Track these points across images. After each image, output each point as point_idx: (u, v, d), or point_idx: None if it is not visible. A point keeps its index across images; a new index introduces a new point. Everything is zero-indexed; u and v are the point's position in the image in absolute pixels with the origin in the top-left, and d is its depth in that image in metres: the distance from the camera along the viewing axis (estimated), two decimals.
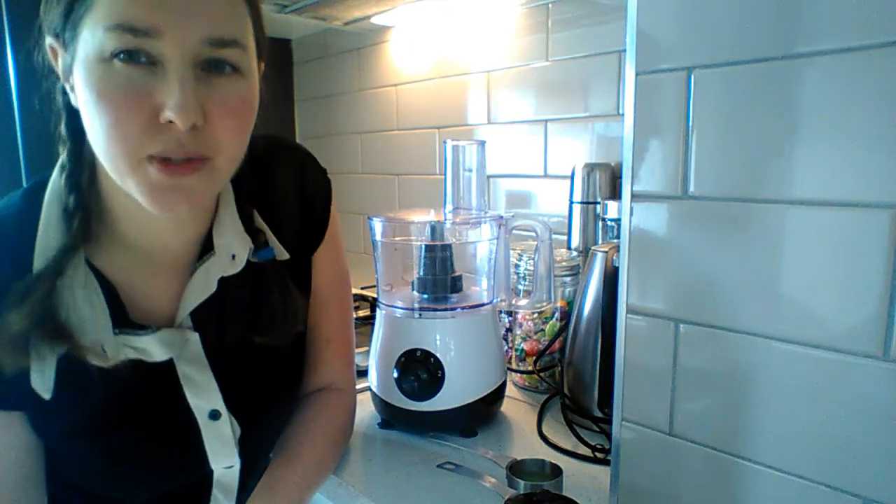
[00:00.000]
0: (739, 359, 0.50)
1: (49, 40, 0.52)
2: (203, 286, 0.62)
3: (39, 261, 0.54)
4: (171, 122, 0.49)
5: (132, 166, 0.50)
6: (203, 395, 0.62)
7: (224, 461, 0.64)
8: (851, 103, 0.42)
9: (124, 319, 0.59)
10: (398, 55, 1.52)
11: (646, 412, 0.57)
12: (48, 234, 0.55)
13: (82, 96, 0.50)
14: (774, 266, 0.47)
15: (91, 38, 0.48)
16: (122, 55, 0.48)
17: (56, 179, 0.57)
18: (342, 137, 1.75)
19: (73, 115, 0.54)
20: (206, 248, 0.63)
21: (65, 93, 0.55)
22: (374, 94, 1.61)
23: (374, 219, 0.87)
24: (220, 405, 0.62)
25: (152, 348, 0.59)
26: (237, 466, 0.65)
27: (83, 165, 0.57)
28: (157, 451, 0.62)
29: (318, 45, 1.76)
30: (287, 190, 0.70)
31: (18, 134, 1.31)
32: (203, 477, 0.64)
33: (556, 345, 0.96)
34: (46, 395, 0.55)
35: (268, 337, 0.65)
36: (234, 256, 0.64)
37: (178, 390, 0.61)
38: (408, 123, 1.53)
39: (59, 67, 0.53)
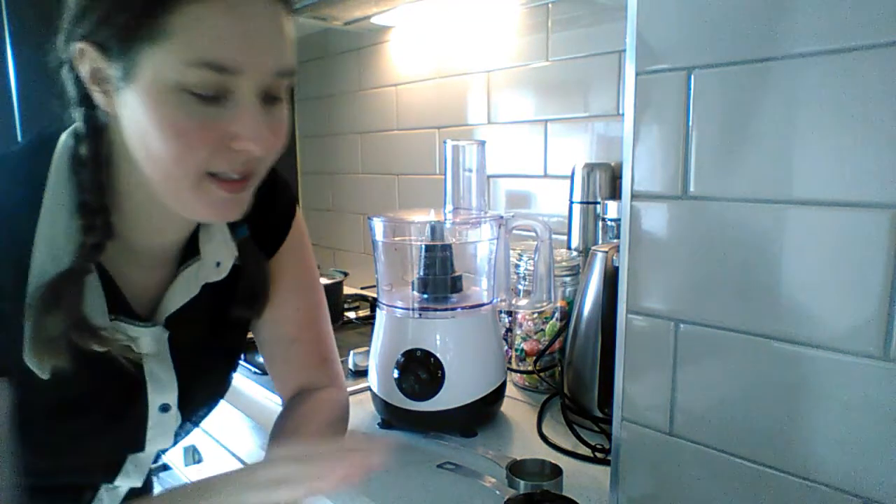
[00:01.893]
0: (739, 359, 0.50)
1: (81, 44, 0.52)
2: (186, 289, 0.64)
3: (42, 249, 0.54)
4: (246, 150, 0.52)
5: (193, 184, 0.53)
6: (162, 391, 0.64)
7: (159, 447, 0.68)
8: (851, 103, 0.42)
9: (121, 307, 0.60)
10: (398, 55, 1.52)
11: (646, 412, 0.57)
12: (54, 224, 0.55)
13: (140, 118, 0.51)
14: (774, 266, 0.47)
15: (163, 65, 0.49)
16: (197, 89, 0.49)
17: (63, 168, 0.57)
18: (342, 137, 1.75)
19: (91, 115, 0.55)
20: (188, 248, 0.65)
21: (83, 93, 0.55)
22: (374, 94, 1.61)
23: (374, 219, 0.87)
24: (173, 400, 0.65)
25: (143, 339, 0.61)
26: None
27: (105, 163, 0.57)
28: (107, 436, 0.64)
29: (318, 45, 1.76)
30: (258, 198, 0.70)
31: (19, 134, 1.31)
32: None
33: (556, 345, 0.96)
34: (45, 375, 0.55)
35: (249, 310, 0.70)
36: (218, 264, 0.66)
37: (141, 383, 0.63)
38: (408, 123, 1.53)
39: (87, 70, 0.52)
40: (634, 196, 0.55)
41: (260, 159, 0.55)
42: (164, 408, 0.65)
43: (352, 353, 1.04)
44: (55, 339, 0.52)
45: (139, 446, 0.66)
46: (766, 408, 0.49)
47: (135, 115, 0.51)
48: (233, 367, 0.75)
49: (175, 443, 0.70)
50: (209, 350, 0.69)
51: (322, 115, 1.81)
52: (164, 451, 0.71)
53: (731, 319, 0.50)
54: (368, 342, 0.90)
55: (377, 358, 0.84)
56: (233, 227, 0.68)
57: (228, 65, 0.49)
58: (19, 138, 1.31)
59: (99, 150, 0.56)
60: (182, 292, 0.64)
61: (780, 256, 0.47)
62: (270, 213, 0.72)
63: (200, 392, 0.69)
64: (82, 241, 0.55)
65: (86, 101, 0.55)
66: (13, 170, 0.57)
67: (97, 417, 0.62)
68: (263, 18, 0.51)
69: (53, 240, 0.54)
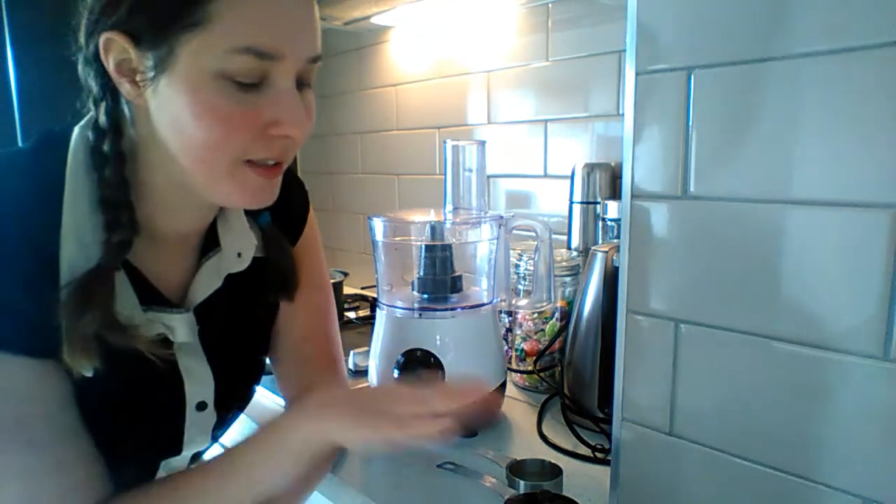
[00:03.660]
0: (739, 359, 0.50)
1: (110, 34, 0.51)
2: (209, 281, 0.64)
3: (70, 244, 0.53)
4: (286, 135, 0.53)
5: (230, 170, 0.53)
6: (199, 387, 0.64)
7: (195, 448, 0.67)
8: (851, 103, 0.42)
9: (152, 297, 0.60)
10: (398, 55, 1.52)
11: (646, 412, 0.57)
12: (78, 219, 0.54)
13: (176, 105, 0.51)
14: (774, 266, 0.47)
15: (204, 53, 0.49)
16: (239, 76, 0.50)
17: (81, 163, 0.56)
18: (342, 137, 1.75)
19: (116, 108, 0.55)
20: (208, 239, 0.65)
21: (104, 85, 0.54)
22: (374, 94, 1.61)
23: (374, 219, 0.87)
24: (210, 397, 0.65)
25: (179, 327, 0.61)
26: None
27: (128, 158, 0.57)
28: (144, 437, 0.63)
29: None
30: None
31: (18, 134, 1.31)
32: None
33: (556, 345, 0.96)
34: (88, 372, 0.54)
35: (283, 293, 0.70)
36: (239, 254, 0.66)
37: (177, 380, 0.63)
38: (408, 123, 1.53)
39: (112, 61, 0.52)
40: (634, 196, 0.55)
41: (296, 144, 0.56)
42: (201, 406, 0.64)
43: (352, 353, 1.04)
44: (89, 338, 0.52)
45: (176, 448, 0.65)
46: (766, 408, 0.49)
47: (169, 103, 0.51)
48: (262, 364, 0.75)
49: (211, 444, 0.70)
50: (240, 346, 0.69)
51: (322, 115, 1.81)
52: (199, 455, 0.71)
53: (731, 319, 0.50)
54: (368, 342, 0.90)
55: (377, 358, 0.84)
56: (253, 215, 0.69)
57: (270, 50, 0.49)
58: (19, 138, 1.31)
59: (123, 145, 0.56)
60: (206, 284, 0.64)
61: (780, 256, 0.47)
62: (287, 210, 0.73)
63: (234, 389, 0.69)
64: (107, 237, 0.54)
65: (110, 94, 0.55)
66: (27, 167, 0.56)
67: (135, 417, 0.61)
68: (299, 3, 0.52)
69: (80, 235, 0.54)
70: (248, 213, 0.68)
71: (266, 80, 0.51)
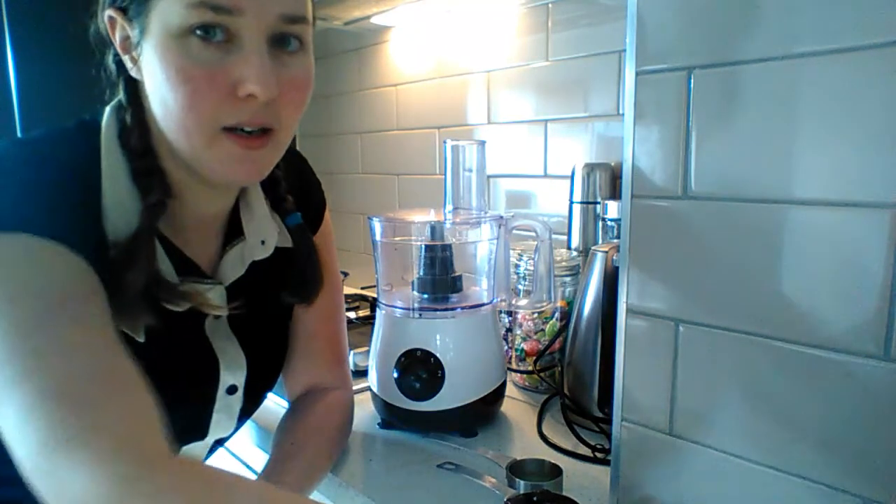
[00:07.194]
0: (739, 359, 0.50)
1: (109, 12, 0.54)
2: (233, 268, 0.65)
3: (111, 213, 0.54)
4: (250, 95, 0.51)
5: (208, 140, 0.53)
6: (232, 369, 0.64)
7: (220, 433, 0.67)
8: (852, 103, 0.42)
9: (189, 269, 0.61)
10: (398, 55, 1.52)
11: (646, 412, 0.57)
12: (116, 189, 0.55)
13: (154, 70, 0.51)
14: (774, 266, 0.47)
15: (168, 13, 0.49)
16: (200, 31, 0.49)
17: (112, 138, 0.57)
18: (342, 137, 1.75)
19: (132, 84, 0.57)
20: (232, 226, 0.66)
21: (120, 63, 0.56)
22: (374, 94, 1.61)
23: (374, 219, 0.87)
24: (241, 381, 0.65)
25: (215, 298, 0.62)
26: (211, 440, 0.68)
27: (149, 128, 0.58)
28: (174, 416, 0.62)
29: (318, 45, 1.75)
30: (288, 183, 0.72)
31: (18, 133, 1.31)
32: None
33: (556, 345, 0.96)
34: (140, 339, 0.55)
35: (299, 296, 0.70)
36: (263, 242, 0.67)
37: (212, 361, 0.63)
38: (408, 123, 1.53)
39: (117, 39, 0.54)
40: (634, 196, 0.55)
41: (272, 112, 0.54)
42: (232, 389, 0.65)
43: (352, 353, 1.04)
44: (137, 295, 0.53)
45: (202, 432, 0.65)
46: (766, 408, 0.49)
47: (150, 71, 0.52)
48: (284, 358, 0.76)
49: (234, 431, 0.70)
50: (269, 334, 0.70)
51: (322, 115, 1.81)
52: (221, 443, 0.71)
53: (731, 319, 0.50)
54: (368, 342, 0.90)
55: (377, 358, 0.84)
56: (282, 215, 0.69)
57: (223, 3, 0.49)
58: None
59: (142, 117, 0.57)
60: (230, 271, 0.65)
61: (780, 256, 0.47)
62: (305, 205, 0.74)
63: (263, 376, 0.69)
64: (143, 203, 0.55)
65: (123, 70, 0.56)
66: (73, 140, 0.57)
67: (167, 395, 0.60)
68: None
69: (120, 203, 0.55)
70: (276, 212, 0.69)
71: (233, 39, 0.51)
